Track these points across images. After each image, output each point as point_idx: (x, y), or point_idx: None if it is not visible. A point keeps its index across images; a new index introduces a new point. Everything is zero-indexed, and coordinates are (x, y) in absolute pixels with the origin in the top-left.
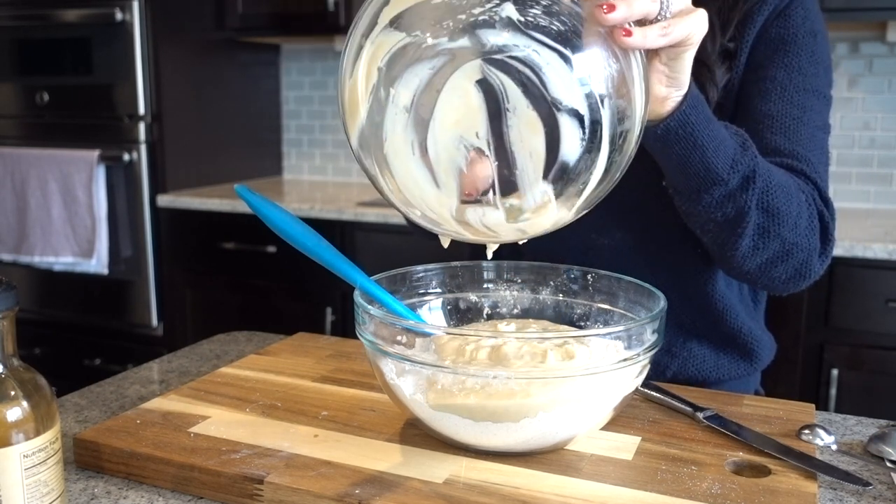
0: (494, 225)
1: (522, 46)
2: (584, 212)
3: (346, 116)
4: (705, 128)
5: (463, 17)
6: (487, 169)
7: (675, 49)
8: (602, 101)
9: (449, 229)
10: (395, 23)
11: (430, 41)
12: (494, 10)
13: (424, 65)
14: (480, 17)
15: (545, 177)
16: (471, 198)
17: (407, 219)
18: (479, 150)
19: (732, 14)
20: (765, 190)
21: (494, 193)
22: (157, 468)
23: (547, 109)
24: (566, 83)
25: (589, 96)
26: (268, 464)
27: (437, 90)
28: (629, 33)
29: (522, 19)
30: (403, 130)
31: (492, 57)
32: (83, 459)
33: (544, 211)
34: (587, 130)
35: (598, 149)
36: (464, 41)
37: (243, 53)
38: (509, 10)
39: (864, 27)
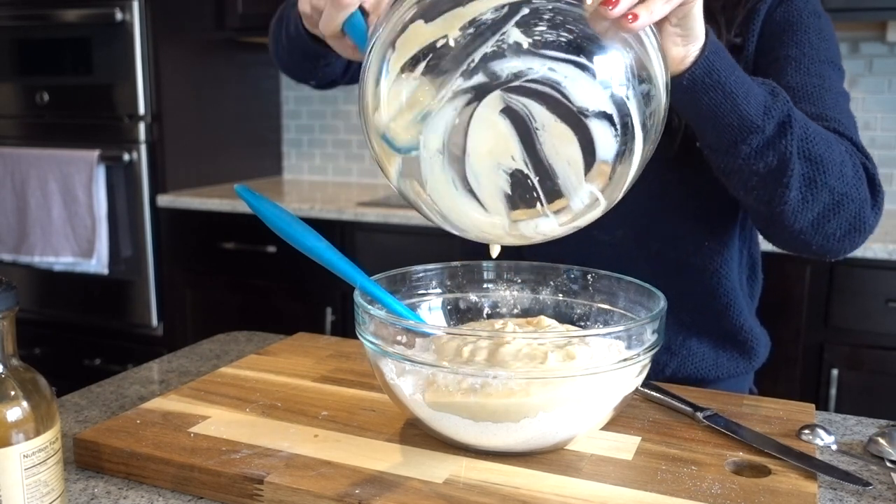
0: (550, 231)
1: (537, 68)
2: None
3: (381, 160)
4: (731, 73)
5: (473, 54)
6: (529, 185)
7: (682, 8)
8: (627, 95)
9: (509, 243)
10: (405, 70)
11: (446, 86)
12: (501, 39)
13: (447, 108)
14: (490, 50)
15: (587, 179)
16: None
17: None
18: (519, 171)
19: (737, 10)
20: (803, 137)
21: (542, 204)
22: (157, 468)
23: (575, 119)
24: (588, 90)
25: (613, 95)
26: (268, 464)
27: (464, 127)
28: (636, 17)
29: (530, 40)
30: (442, 171)
31: (510, 85)
32: (83, 459)
33: (595, 206)
34: (619, 125)
35: (634, 137)
36: (479, 77)
37: (243, 53)
38: (515, 36)
39: (864, 27)
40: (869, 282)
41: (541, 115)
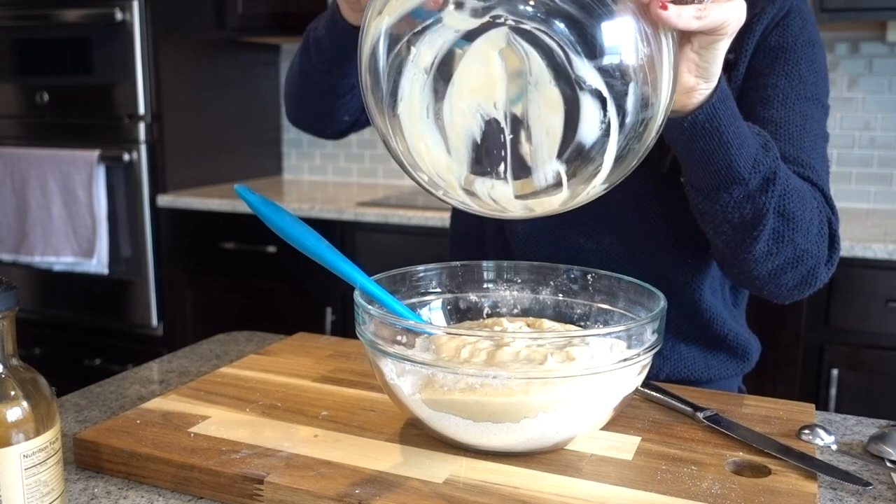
0: (502, 199)
1: (552, 19)
2: (597, 196)
3: (364, 71)
4: (731, 124)
5: None
6: (501, 140)
7: (708, 37)
8: (628, 86)
9: (455, 198)
10: None
11: (457, 3)
12: None
13: (450, 27)
14: None
15: (559, 156)
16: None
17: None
18: (495, 121)
19: None
20: (783, 194)
21: (506, 167)
22: (157, 468)
23: (570, 87)
24: (592, 64)
25: (614, 78)
26: (268, 464)
27: (459, 54)
28: (664, 6)
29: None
30: (421, 92)
31: (520, 26)
32: (83, 459)
33: (556, 191)
34: (608, 114)
35: (618, 133)
36: (495, 6)
37: (243, 53)
38: None
39: (864, 27)
40: (869, 282)
41: (538, 70)
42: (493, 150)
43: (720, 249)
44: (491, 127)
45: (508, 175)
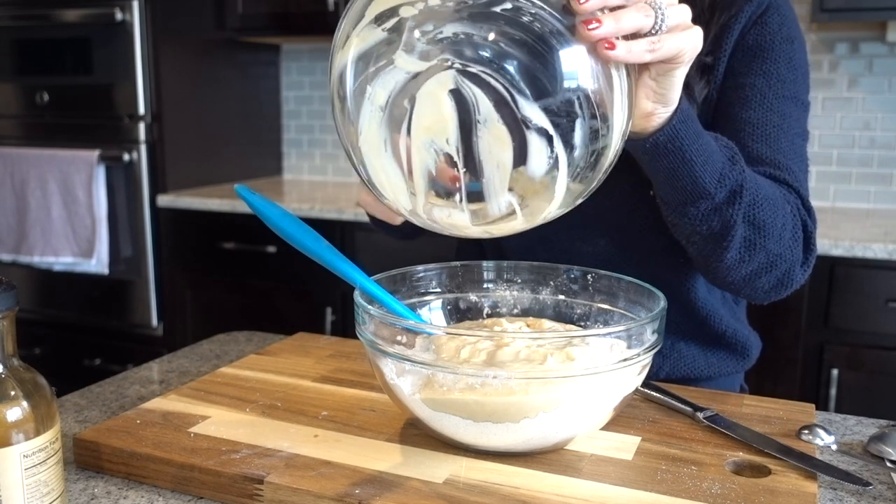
0: (460, 225)
1: (497, 62)
2: (555, 218)
3: (333, 95)
4: (694, 142)
5: (444, 26)
6: (455, 172)
7: (664, 66)
8: (574, 122)
9: (418, 222)
10: (379, 20)
11: (407, 46)
12: (479, 25)
13: (401, 69)
14: (462, 33)
15: (511, 188)
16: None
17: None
18: (448, 156)
19: (708, 29)
20: (752, 203)
21: (461, 197)
22: (157, 468)
23: (516, 126)
24: (537, 105)
25: (559, 116)
26: (268, 464)
27: (411, 94)
28: (612, 46)
29: (502, 36)
30: (378, 127)
31: (466, 69)
32: (83, 459)
33: (511, 218)
34: (555, 149)
35: (567, 167)
36: (441, 50)
37: (243, 53)
38: (489, 29)
39: (864, 27)
40: (869, 282)
41: (486, 109)
42: (448, 183)
43: (694, 257)
44: (445, 161)
45: (464, 205)
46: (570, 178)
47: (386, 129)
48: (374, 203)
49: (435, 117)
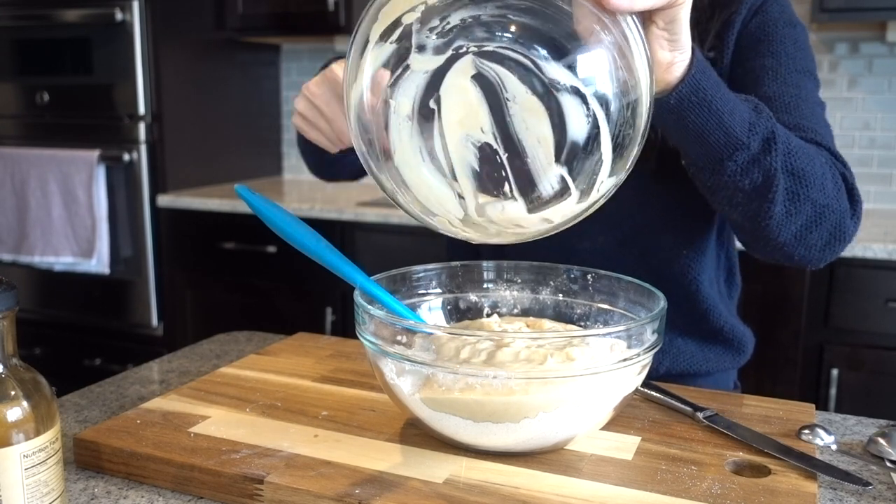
0: (517, 217)
1: (510, 34)
2: (609, 193)
3: (356, 138)
4: (717, 91)
5: (449, 17)
6: (498, 162)
7: (667, 12)
8: (602, 75)
9: (474, 232)
10: (385, 36)
11: (419, 47)
12: (482, 5)
13: (419, 71)
14: (468, 15)
15: (557, 160)
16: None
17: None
18: (487, 145)
19: (710, 25)
20: (787, 152)
21: (510, 185)
22: (157, 468)
23: (547, 93)
24: (561, 66)
25: (586, 74)
26: (268, 464)
27: (435, 92)
28: None
29: (508, 10)
30: (410, 139)
31: (483, 49)
32: (83, 459)
33: (565, 195)
34: (591, 106)
35: (607, 123)
36: (453, 40)
37: (243, 53)
38: (491, 10)
39: (864, 27)
40: (869, 282)
41: (512, 85)
42: (493, 174)
43: (740, 224)
44: (485, 152)
45: (515, 192)
46: (612, 136)
47: (419, 138)
48: (315, 116)
49: (464, 109)
